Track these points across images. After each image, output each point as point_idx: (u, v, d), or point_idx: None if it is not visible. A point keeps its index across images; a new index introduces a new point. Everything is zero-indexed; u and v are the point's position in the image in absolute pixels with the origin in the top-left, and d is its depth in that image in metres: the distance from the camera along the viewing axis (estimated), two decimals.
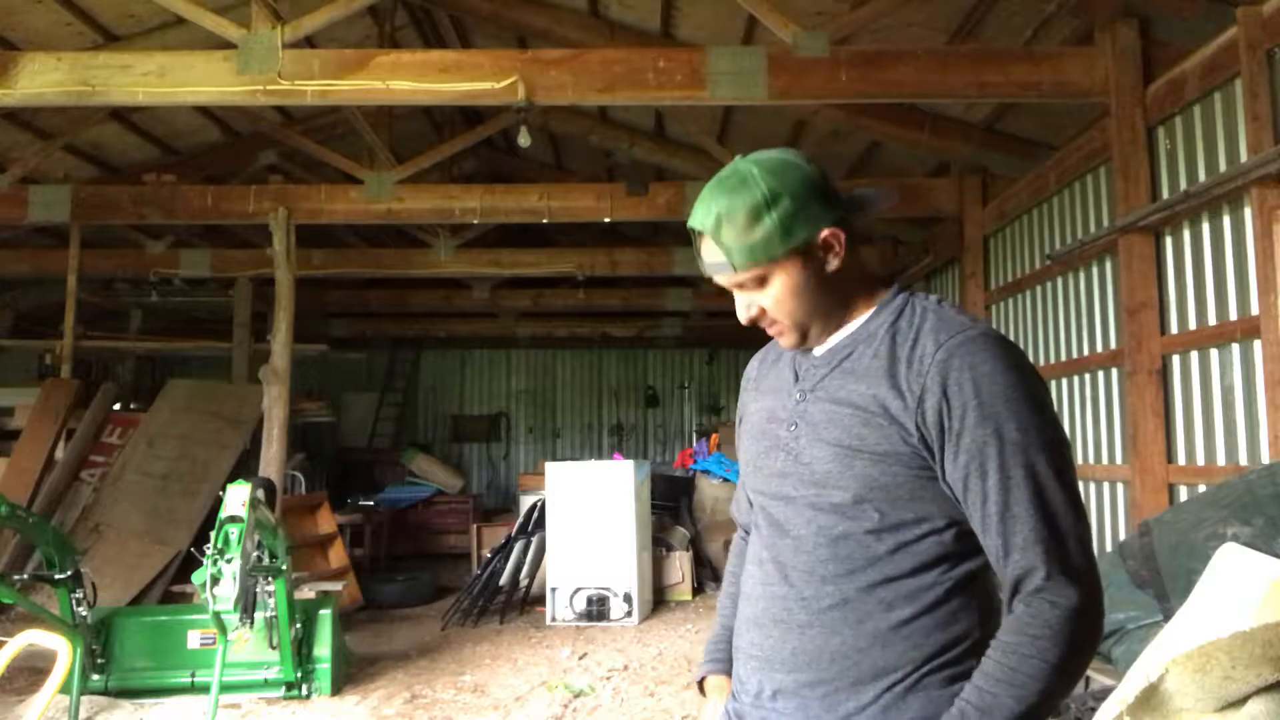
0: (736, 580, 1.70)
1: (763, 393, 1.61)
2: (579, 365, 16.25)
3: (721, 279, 1.46)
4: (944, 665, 1.37)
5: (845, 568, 1.40)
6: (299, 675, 5.43)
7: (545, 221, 8.23)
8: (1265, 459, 4.04)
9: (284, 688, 5.44)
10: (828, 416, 1.44)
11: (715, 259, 1.44)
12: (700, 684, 1.73)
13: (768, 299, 1.46)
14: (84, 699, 5.17)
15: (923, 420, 1.35)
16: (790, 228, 1.40)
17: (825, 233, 1.43)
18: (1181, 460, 4.83)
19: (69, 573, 5.05)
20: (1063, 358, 6.23)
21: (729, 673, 1.62)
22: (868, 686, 1.38)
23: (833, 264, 1.45)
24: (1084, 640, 1.27)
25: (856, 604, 1.39)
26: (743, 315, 1.51)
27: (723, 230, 1.40)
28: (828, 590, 1.41)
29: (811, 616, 1.42)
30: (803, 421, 1.47)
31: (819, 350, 1.52)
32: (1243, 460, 4.34)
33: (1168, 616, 3.47)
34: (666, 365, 16.17)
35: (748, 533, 1.69)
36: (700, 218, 1.43)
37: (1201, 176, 4.59)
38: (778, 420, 1.53)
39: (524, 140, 6.76)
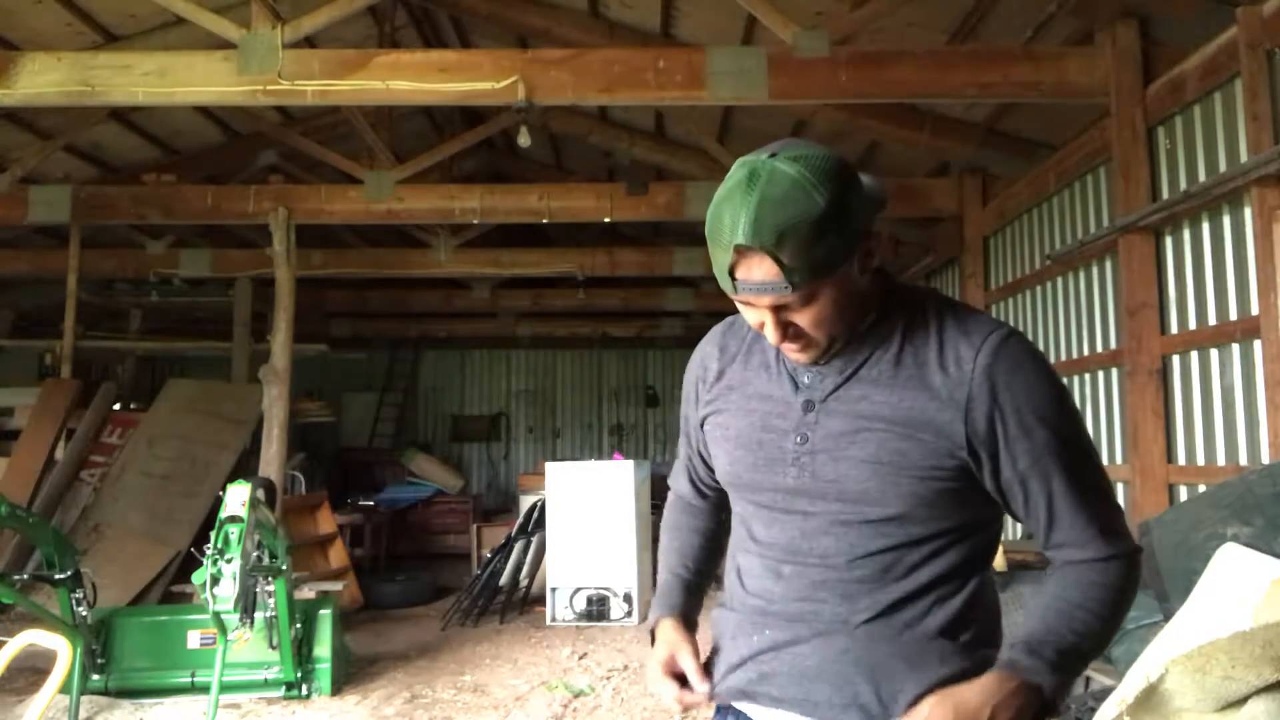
0: (679, 534, 1.72)
1: (743, 394, 1.49)
2: (579, 365, 16.24)
3: (766, 299, 1.29)
4: (964, 675, 1.37)
5: (880, 584, 1.38)
6: (299, 675, 5.43)
7: (545, 221, 8.23)
8: (1265, 459, 4.04)
9: (284, 688, 5.44)
10: (854, 431, 1.36)
11: (766, 278, 1.25)
12: (652, 632, 1.61)
13: (809, 316, 1.31)
14: (84, 699, 5.17)
15: (973, 430, 1.33)
16: (853, 238, 1.28)
17: (870, 236, 1.33)
18: (1181, 460, 4.83)
19: (69, 573, 5.05)
20: (1063, 358, 6.23)
21: (680, 615, 1.59)
22: (898, 700, 1.37)
23: (868, 268, 1.35)
24: (1137, 586, 1.42)
25: (892, 618, 1.38)
26: (774, 336, 1.34)
27: (785, 247, 1.22)
28: (863, 605, 1.38)
29: (848, 636, 1.39)
30: (817, 435, 1.39)
31: None
32: (1243, 460, 4.34)
33: (1168, 616, 3.46)
34: (666, 365, 16.15)
35: (688, 499, 1.74)
36: (753, 234, 1.22)
37: (1201, 176, 4.59)
38: (777, 431, 1.43)
39: (524, 140, 6.76)
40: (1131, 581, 1.40)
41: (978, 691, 1.30)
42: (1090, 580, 1.37)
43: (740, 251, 1.25)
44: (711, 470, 1.64)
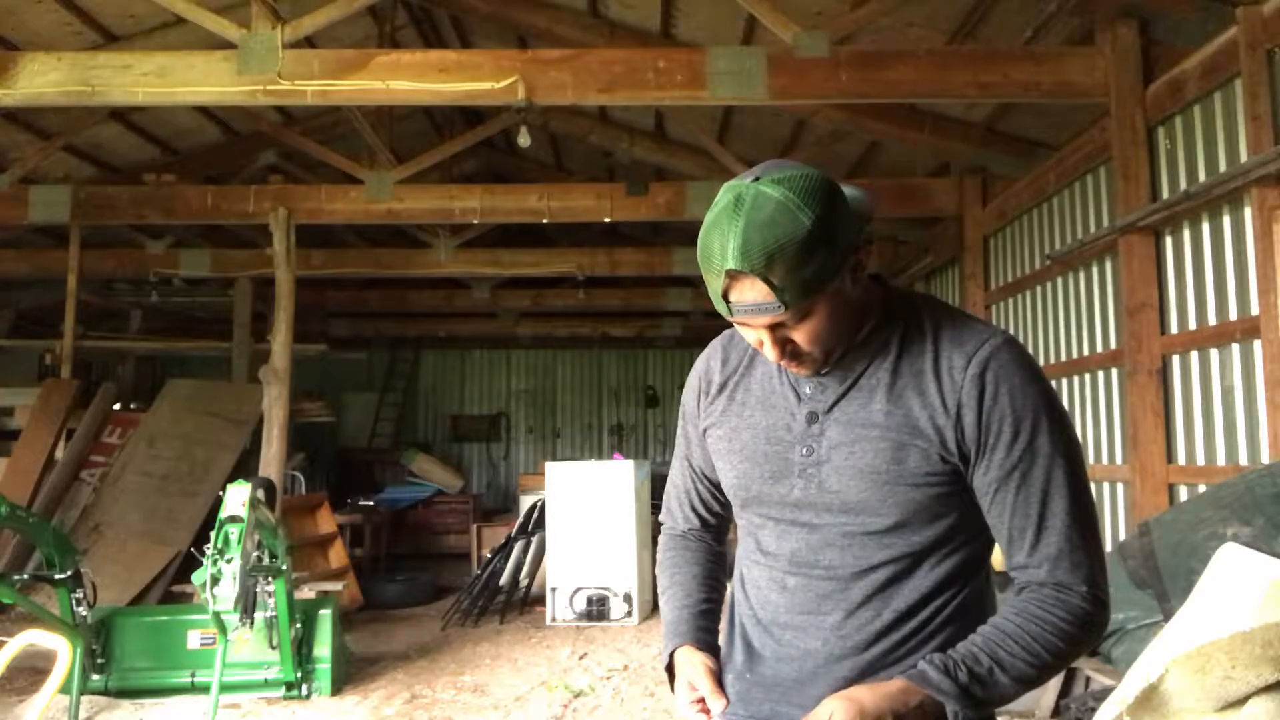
0: (678, 571, 1.65)
1: (746, 406, 1.50)
2: (579, 365, 16.25)
3: (762, 320, 1.31)
4: None
5: (885, 593, 1.39)
6: (299, 675, 5.43)
7: (545, 221, 8.23)
8: (1265, 459, 4.04)
9: (284, 688, 5.44)
10: (856, 440, 1.38)
11: (759, 299, 1.27)
12: (669, 666, 1.56)
13: (804, 332, 1.33)
14: (84, 699, 5.17)
15: (961, 436, 1.35)
16: (841, 253, 1.29)
17: (859, 249, 1.34)
18: (1181, 460, 4.83)
19: (69, 573, 5.05)
20: (1063, 358, 6.23)
21: (694, 642, 1.54)
22: (885, 674, 1.39)
23: (859, 279, 1.36)
24: (1089, 640, 1.36)
25: (897, 625, 1.39)
26: (773, 354, 1.36)
27: (775, 268, 1.24)
28: (867, 615, 1.40)
29: (848, 646, 1.40)
30: (822, 447, 1.41)
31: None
32: (1243, 460, 4.34)
33: (1168, 616, 3.47)
34: (666, 365, 16.17)
35: (682, 536, 1.69)
36: (742, 259, 1.24)
37: (1201, 176, 4.59)
38: (783, 443, 1.44)
39: (524, 140, 6.77)
40: (1085, 628, 1.33)
41: (879, 696, 1.30)
42: (1034, 613, 1.33)
43: (732, 276, 1.27)
44: (714, 489, 1.63)
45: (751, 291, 1.27)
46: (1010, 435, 1.33)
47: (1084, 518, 1.35)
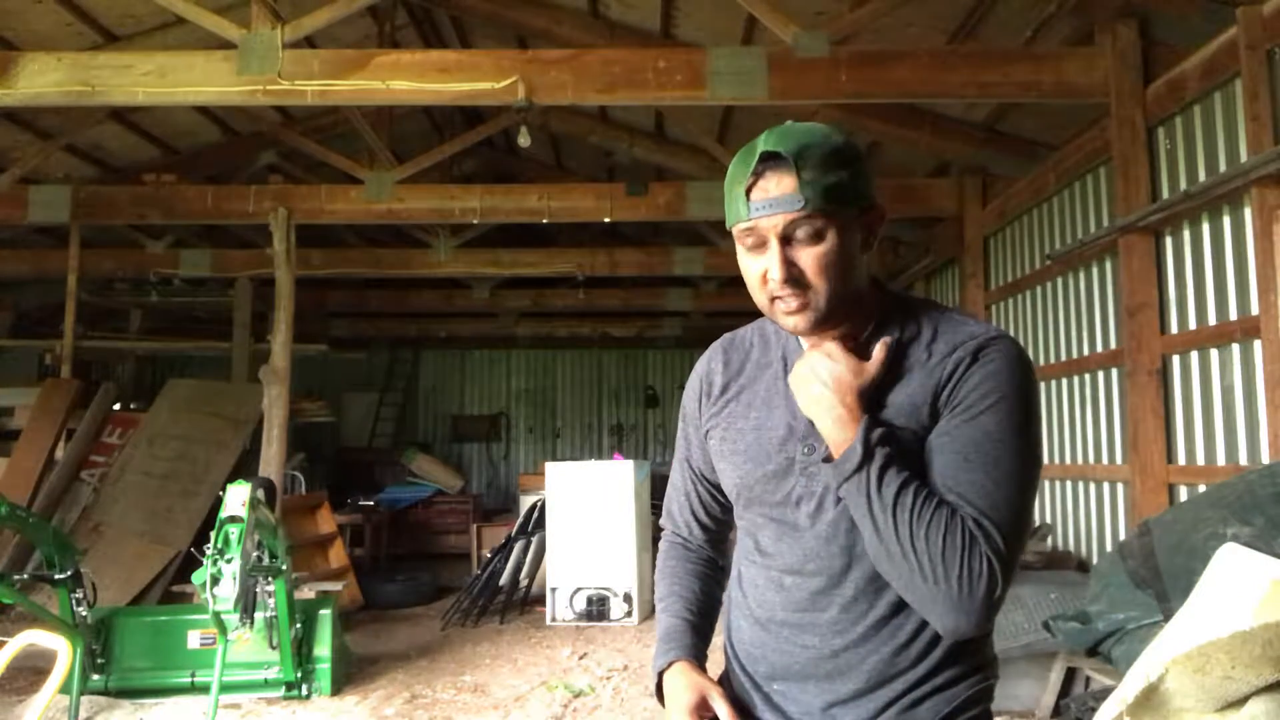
0: (677, 579, 1.64)
1: (751, 406, 1.50)
2: (579, 365, 16.24)
3: (776, 219, 1.31)
4: (955, 681, 1.39)
5: (878, 585, 1.38)
6: (299, 675, 5.43)
7: (545, 221, 8.23)
8: (1265, 459, 4.04)
9: (284, 688, 5.44)
10: None
11: (782, 191, 1.31)
12: (659, 683, 1.53)
13: (813, 255, 1.33)
14: (84, 699, 5.17)
15: (936, 413, 1.35)
16: (863, 185, 1.35)
17: (874, 209, 1.39)
18: (1181, 460, 4.83)
19: (69, 573, 5.05)
20: (1063, 358, 6.23)
21: (694, 658, 1.52)
22: (890, 685, 1.38)
23: (870, 246, 1.40)
24: (967, 569, 1.26)
25: (893, 623, 1.38)
26: (779, 272, 1.33)
27: (806, 161, 1.30)
28: (861, 609, 1.39)
29: (847, 640, 1.40)
30: (822, 444, 1.40)
31: None
32: (1243, 460, 4.34)
33: (1168, 616, 3.47)
34: (666, 365, 16.17)
35: (684, 544, 1.68)
36: (778, 142, 1.31)
37: (1201, 176, 4.59)
38: (786, 442, 1.44)
39: (524, 140, 6.77)
40: (971, 565, 1.25)
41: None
42: (947, 504, 1.28)
43: (762, 164, 1.32)
44: (714, 491, 1.62)
45: (777, 186, 1.32)
46: (972, 400, 1.32)
47: (1020, 495, 1.30)
